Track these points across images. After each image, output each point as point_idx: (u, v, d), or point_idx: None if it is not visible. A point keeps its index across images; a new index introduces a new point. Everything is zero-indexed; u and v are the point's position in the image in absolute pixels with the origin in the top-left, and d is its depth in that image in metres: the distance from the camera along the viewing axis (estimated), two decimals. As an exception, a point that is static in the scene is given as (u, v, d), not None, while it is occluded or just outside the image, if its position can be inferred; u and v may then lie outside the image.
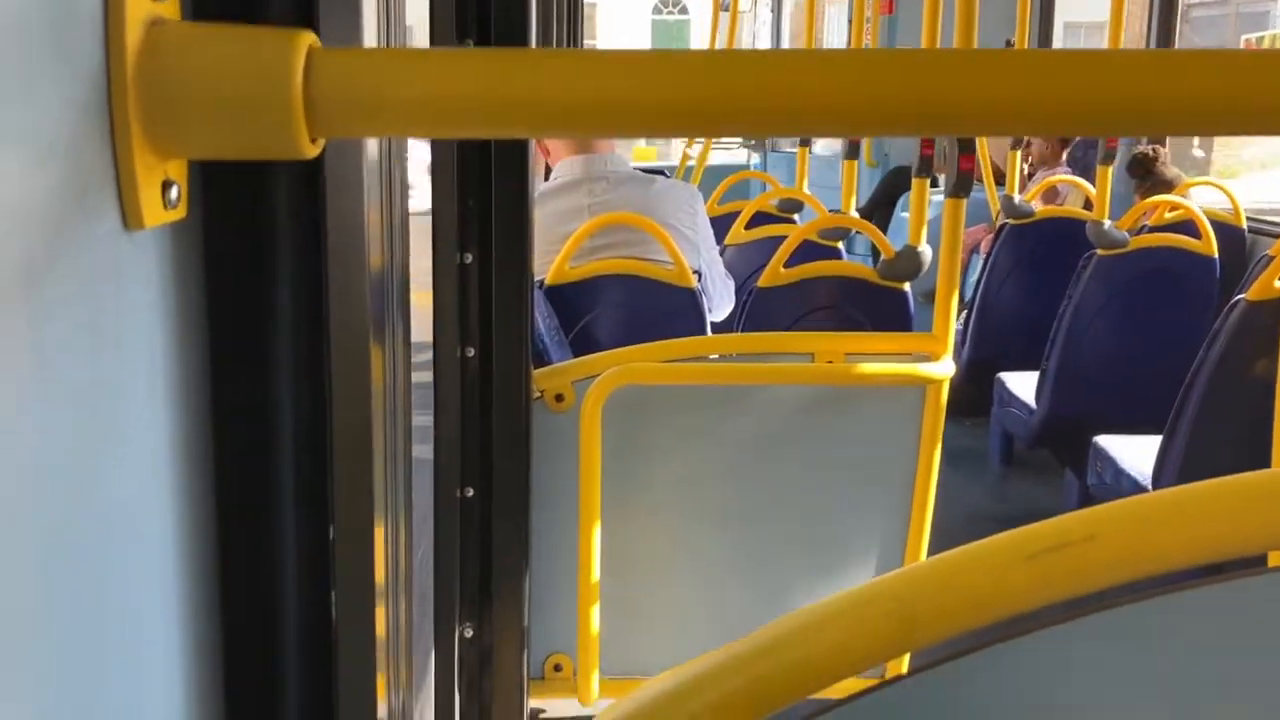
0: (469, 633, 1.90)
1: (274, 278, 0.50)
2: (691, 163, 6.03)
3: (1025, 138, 5.30)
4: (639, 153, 10.33)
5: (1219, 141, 6.72)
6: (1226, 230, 4.04)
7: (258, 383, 0.51)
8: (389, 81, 0.45)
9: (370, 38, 0.55)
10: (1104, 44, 4.74)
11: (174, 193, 0.47)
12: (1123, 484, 2.84)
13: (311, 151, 0.45)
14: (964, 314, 4.53)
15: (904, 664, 0.88)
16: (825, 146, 7.44)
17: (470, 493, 1.85)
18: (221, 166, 0.49)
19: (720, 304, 3.07)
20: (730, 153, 9.05)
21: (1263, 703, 0.46)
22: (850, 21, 6.57)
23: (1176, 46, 5.20)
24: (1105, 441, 3.04)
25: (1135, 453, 2.88)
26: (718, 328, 3.05)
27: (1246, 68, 0.45)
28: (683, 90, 0.45)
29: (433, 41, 1.59)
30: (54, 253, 0.40)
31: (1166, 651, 0.45)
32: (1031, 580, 0.44)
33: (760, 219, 4.04)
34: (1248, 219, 4.23)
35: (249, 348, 0.50)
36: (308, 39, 0.45)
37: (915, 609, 0.44)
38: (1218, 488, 0.46)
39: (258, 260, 0.49)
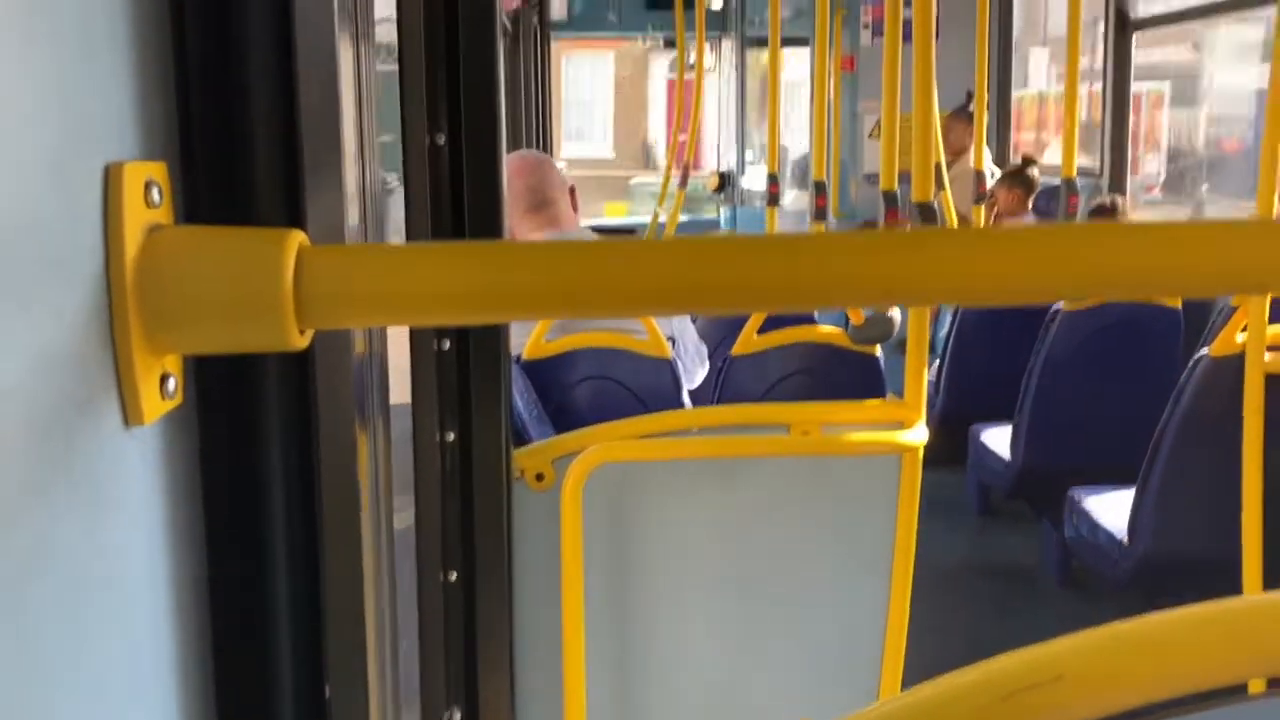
0: (456, 717, 1.90)
1: (266, 459, 0.52)
2: (663, 219, 6.10)
3: (990, 189, 5.40)
4: (610, 208, 10.41)
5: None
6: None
7: (252, 570, 0.52)
8: (375, 277, 0.47)
9: (353, 231, 0.58)
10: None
11: (171, 384, 0.49)
12: (1099, 538, 2.87)
13: (301, 344, 0.48)
14: (935, 365, 4.57)
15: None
16: (793, 202, 7.53)
17: (453, 577, 1.86)
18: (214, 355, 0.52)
19: (693, 371, 3.10)
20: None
21: None
22: (812, 77, 6.70)
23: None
24: (1080, 494, 3.08)
25: (1110, 506, 2.92)
26: (694, 393, 3.07)
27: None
28: (644, 275, 0.48)
29: (405, 139, 1.64)
30: (59, 462, 0.42)
31: None
32: None
33: (732, 280, 4.08)
34: (1209, 265, 4.31)
35: (242, 531, 0.52)
36: (297, 238, 0.47)
37: None
38: (1186, 618, 0.48)
39: (250, 444, 0.52)
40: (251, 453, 0.51)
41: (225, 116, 0.51)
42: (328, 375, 0.53)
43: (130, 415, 0.47)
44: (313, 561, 0.53)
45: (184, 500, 0.52)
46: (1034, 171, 5.53)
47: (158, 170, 0.49)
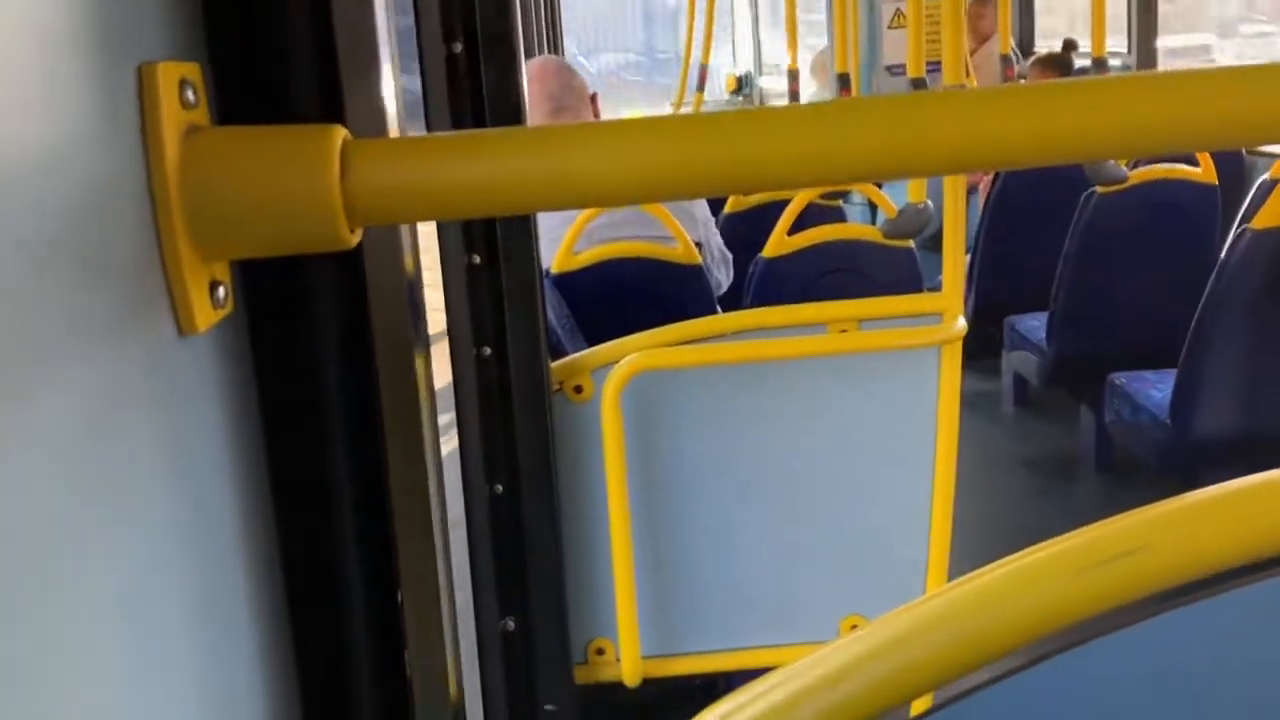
0: (511, 625, 1.93)
1: (323, 363, 0.51)
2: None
3: (1018, 73, 5.26)
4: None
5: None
6: (1223, 153, 4.02)
7: (316, 463, 0.52)
8: (424, 168, 0.46)
9: (392, 123, 0.56)
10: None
11: (221, 292, 0.48)
12: (1141, 419, 2.84)
13: (351, 241, 0.46)
14: (967, 258, 4.52)
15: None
16: (816, 95, 7.40)
17: (500, 489, 1.88)
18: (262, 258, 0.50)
19: (719, 278, 3.07)
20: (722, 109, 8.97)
21: None
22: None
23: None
24: (1121, 378, 3.05)
25: (1152, 388, 2.89)
26: (725, 299, 3.05)
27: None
28: (687, 153, 0.46)
29: (421, 49, 1.61)
30: (115, 373, 0.42)
31: (1222, 653, 0.47)
32: (1086, 593, 0.45)
33: (758, 182, 4.02)
34: (1245, 140, 4.20)
35: (305, 430, 0.51)
36: (340, 133, 0.46)
37: (969, 631, 0.45)
38: (1266, 482, 0.46)
39: (306, 348, 0.51)
40: (308, 357, 0.50)
41: (256, 12, 0.49)
42: (379, 275, 0.52)
43: (183, 324, 0.46)
44: (376, 463, 0.52)
45: (242, 407, 0.51)
46: (1072, 58, 5.38)
47: (191, 70, 0.47)
